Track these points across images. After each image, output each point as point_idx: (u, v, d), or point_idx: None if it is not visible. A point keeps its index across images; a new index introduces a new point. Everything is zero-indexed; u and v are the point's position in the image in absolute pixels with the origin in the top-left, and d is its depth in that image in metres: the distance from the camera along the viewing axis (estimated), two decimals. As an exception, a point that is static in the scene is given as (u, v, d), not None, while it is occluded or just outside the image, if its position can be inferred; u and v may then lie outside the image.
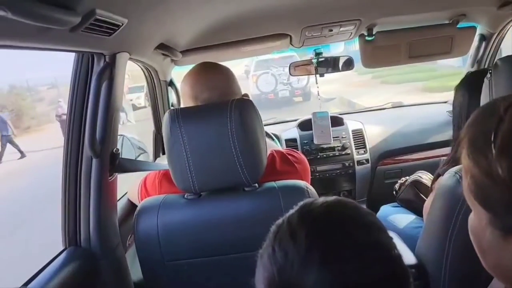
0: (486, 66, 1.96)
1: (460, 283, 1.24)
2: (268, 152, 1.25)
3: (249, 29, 1.56)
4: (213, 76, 1.20)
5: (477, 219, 0.48)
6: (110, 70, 1.00)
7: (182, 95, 1.23)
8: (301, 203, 0.56)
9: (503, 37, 1.90)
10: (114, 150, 1.11)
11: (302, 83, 11.64)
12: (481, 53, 1.95)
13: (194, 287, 1.16)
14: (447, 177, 1.17)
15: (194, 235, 1.11)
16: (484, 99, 1.17)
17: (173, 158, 1.08)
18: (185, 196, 1.13)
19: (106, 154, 1.07)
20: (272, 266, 0.50)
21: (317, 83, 2.18)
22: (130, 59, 1.16)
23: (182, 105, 1.24)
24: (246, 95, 1.26)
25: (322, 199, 0.55)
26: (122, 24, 0.82)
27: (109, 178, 1.10)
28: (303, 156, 1.29)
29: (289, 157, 1.25)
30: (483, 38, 1.90)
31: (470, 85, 1.38)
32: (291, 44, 1.75)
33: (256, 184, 1.12)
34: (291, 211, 0.55)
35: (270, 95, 11.89)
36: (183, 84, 1.22)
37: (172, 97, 1.91)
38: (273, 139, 2.07)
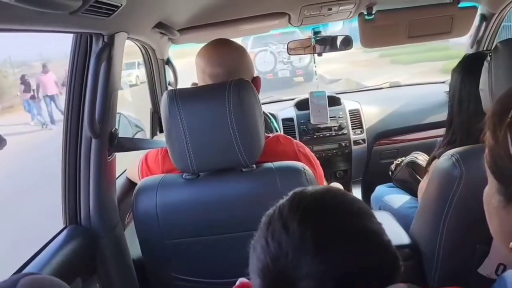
0: (485, 47, 1.95)
1: (453, 263, 1.27)
2: (273, 134, 1.26)
3: (247, 8, 1.54)
4: (224, 52, 1.19)
5: (489, 187, 0.52)
6: (108, 50, 0.99)
7: (196, 69, 1.22)
8: (291, 193, 0.57)
9: (503, 18, 1.88)
10: (113, 130, 1.11)
11: (304, 62, 10.59)
12: (481, 34, 1.93)
13: (192, 264, 1.19)
14: (443, 160, 1.19)
15: (192, 215, 1.13)
16: (483, 82, 1.17)
17: (171, 138, 1.09)
18: (184, 176, 1.14)
19: (105, 134, 1.07)
20: (266, 257, 0.51)
21: (314, 62, 2.16)
22: (129, 38, 1.15)
23: (195, 79, 1.23)
24: (257, 77, 1.25)
25: (311, 188, 0.56)
26: (121, 5, 0.81)
27: (108, 157, 1.11)
28: (310, 153, 1.28)
29: (294, 142, 1.25)
30: (483, 18, 1.88)
31: (467, 67, 1.37)
32: (290, 23, 1.73)
33: (254, 165, 1.13)
34: (281, 201, 0.56)
35: (269, 75, 10.95)
36: (197, 58, 1.21)
37: (169, 76, 1.90)
38: (269, 119, 2.07)
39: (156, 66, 1.78)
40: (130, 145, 1.24)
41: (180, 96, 1.06)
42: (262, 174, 1.13)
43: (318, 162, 1.29)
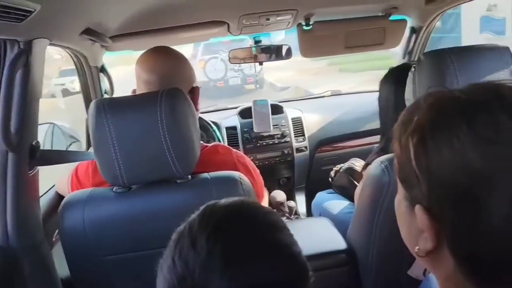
0: (415, 58, 2.05)
1: (386, 266, 1.31)
2: (212, 144, 1.24)
3: (185, 16, 1.51)
4: (159, 59, 1.17)
5: (398, 194, 0.54)
6: (26, 57, 0.92)
7: (135, 75, 1.19)
8: (203, 206, 0.56)
9: (431, 30, 1.99)
10: (34, 142, 1.04)
11: (256, 69, 10.98)
12: (411, 45, 2.03)
13: (124, 282, 1.14)
14: (374, 167, 1.22)
15: (124, 230, 1.08)
16: (408, 92, 1.22)
17: (99, 150, 1.04)
18: (114, 189, 1.09)
19: (24, 146, 1.00)
20: (172, 278, 0.49)
21: (256, 72, 2.18)
22: (52, 44, 1.09)
23: (134, 87, 1.20)
24: (196, 87, 1.22)
25: (224, 200, 0.55)
26: (34, 10, 0.76)
27: (29, 172, 1.04)
28: (250, 163, 1.27)
29: (233, 152, 1.24)
30: (413, 30, 1.99)
31: (394, 79, 1.44)
32: (229, 32, 1.73)
33: (189, 176, 1.11)
34: (193, 216, 0.54)
35: (220, 83, 10.91)
36: (136, 63, 1.18)
37: (105, 84, 1.83)
38: (211, 127, 2.05)
39: (90, 74, 1.71)
40: (56, 158, 1.17)
41: (108, 106, 1.02)
42: (197, 185, 1.11)
43: (258, 172, 1.29)
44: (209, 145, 1.25)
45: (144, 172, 1.06)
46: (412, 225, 0.50)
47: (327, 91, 2.80)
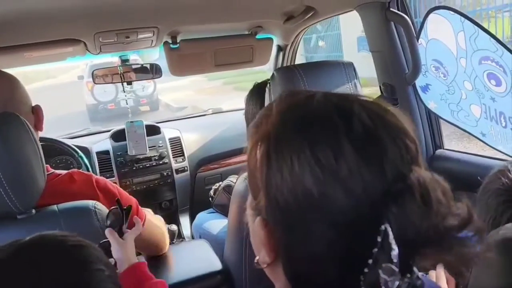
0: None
1: (259, 281, 1.30)
2: (65, 172, 1.11)
3: (32, 33, 1.36)
4: None
5: (248, 200, 0.52)
6: None
7: None
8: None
9: (297, 48, 2.10)
10: None
11: (148, 90, 10.42)
12: (280, 63, 2.12)
13: None
14: (238, 182, 1.22)
15: None
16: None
17: None
18: None
19: None
20: None
21: (124, 91, 2.08)
22: None
23: None
24: (37, 106, 1.10)
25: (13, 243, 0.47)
26: None
27: None
28: (112, 186, 1.17)
29: (93, 178, 1.13)
30: (280, 48, 2.08)
31: (257, 94, 1.48)
32: (88, 51, 1.61)
33: (33, 210, 0.98)
34: None
35: (111, 105, 10.27)
36: None
37: None
38: (77, 153, 1.89)
39: None
40: None
41: None
42: (42, 219, 0.98)
43: (126, 194, 1.19)
44: (63, 172, 1.13)
45: None
46: (255, 235, 0.48)
47: (208, 109, 2.80)
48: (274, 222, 0.43)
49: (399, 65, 1.32)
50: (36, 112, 1.10)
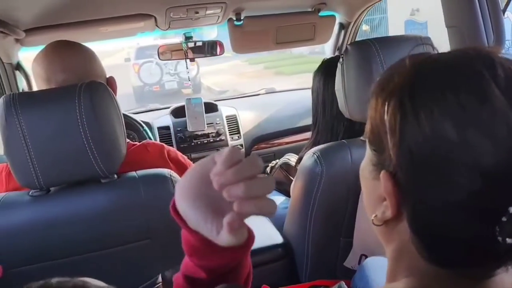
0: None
1: (321, 258, 1.31)
2: (140, 143, 1.17)
3: (108, 8, 1.41)
4: (69, 56, 1.07)
5: (364, 160, 0.52)
6: None
7: (35, 77, 1.09)
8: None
9: (359, 26, 2.06)
10: None
11: (192, 73, 10.45)
12: (340, 41, 2.08)
13: None
14: (306, 158, 1.22)
15: (42, 237, 0.98)
16: (338, 83, 1.23)
17: (10, 151, 0.94)
18: (30, 193, 0.99)
19: None
20: None
21: (187, 68, 2.12)
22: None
23: (35, 89, 1.09)
24: (111, 78, 1.15)
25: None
26: None
27: None
28: (183, 158, 1.22)
29: (165, 149, 1.18)
30: (342, 26, 2.04)
31: (325, 71, 1.46)
32: (157, 26, 1.65)
33: (115, 175, 1.03)
34: None
35: (155, 87, 10.60)
36: (35, 64, 1.07)
37: (22, 83, 1.67)
38: (142, 127, 1.96)
39: (3, 72, 1.55)
40: None
41: (19, 101, 0.92)
42: (124, 184, 1.03)
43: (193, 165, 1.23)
44: (137, 143, 1.18)
45: (63, 172, 0.97)
46: (373, 191, 0.48)
47: (261, 89, 2.81)
48: (406, 172, 0.43)
49: (478, 42, 1.25)
50: (111, 83, 1.14)
